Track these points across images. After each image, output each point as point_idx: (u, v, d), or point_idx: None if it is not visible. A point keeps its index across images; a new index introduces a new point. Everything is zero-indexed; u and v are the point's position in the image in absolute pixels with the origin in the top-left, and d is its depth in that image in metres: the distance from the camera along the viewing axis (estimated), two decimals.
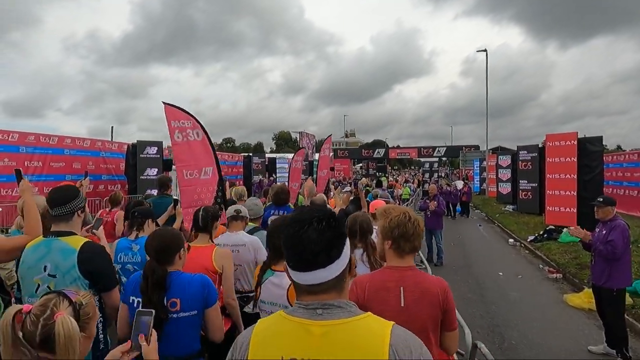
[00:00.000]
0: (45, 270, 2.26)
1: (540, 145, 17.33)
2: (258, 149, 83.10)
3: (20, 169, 2.90)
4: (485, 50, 26.75)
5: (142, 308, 1.99)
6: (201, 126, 4.40)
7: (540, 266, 8.92)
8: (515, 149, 25.01)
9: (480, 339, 3.19)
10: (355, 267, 1.28)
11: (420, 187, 29.32)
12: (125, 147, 17.16)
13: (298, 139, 43.10)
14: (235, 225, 3.46)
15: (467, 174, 44.69)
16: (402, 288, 1.91)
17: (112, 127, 35.34)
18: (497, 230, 14.97)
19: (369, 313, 1.15)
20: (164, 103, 4.43)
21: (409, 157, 50.24)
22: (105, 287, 2.31)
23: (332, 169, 38.63)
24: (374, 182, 14.46)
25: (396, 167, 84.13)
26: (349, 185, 16.91)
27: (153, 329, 1.64)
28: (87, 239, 2.39)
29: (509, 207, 19.37)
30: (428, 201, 9.27)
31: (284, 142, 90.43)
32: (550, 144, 13.16)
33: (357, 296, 1.94)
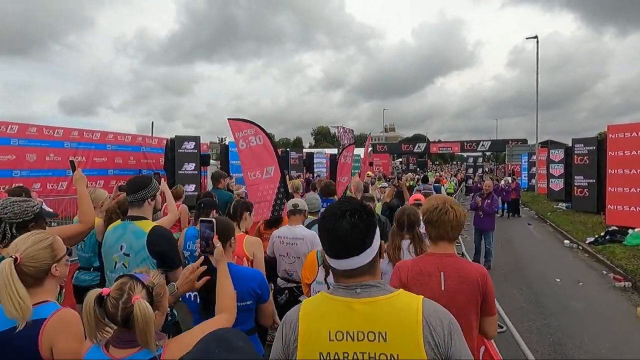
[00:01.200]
0: (121, 250, 2.58)
1: (598, 138, 15.96)
2: (297, 144, 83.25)
3: (74, 159, 3.03)
4: (535, 37, 24.98)
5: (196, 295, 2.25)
6: (263, 131, 4.92)
7: (604, 272, 7.96)
8: (567, 142, 23.10)
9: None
10: (382, 256, 1.42)
11: (464, 183, 28.03)
12: (165, 142, 17.31)
13: (337, 134, 42.56)
14: (294, 219, 3.63)
15: (514, 169, 42.55)
16: (442, 273, 1.99)
17: (152, 122, 36.30)
18: (550, 230, 13.84)
19: (401, 290, 1.28)
20: (228, 119, 5.05)
21: (451, 151, 48.44)
22: (171, 266, 2.56)
23: (370, 164, 37.71)
24: (417, 177, 13.86)
25: (437, 162, 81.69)
26: (384, 181, 16.24)
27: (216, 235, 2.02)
28: (156, 224, 2.67)
29: (562, 205, 18.01)
30: (480, 198, 8.47)
31: (323, 137, 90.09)
32: (613, 136, 11.92)
33: (400, 279, 2.06)
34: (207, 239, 2.03)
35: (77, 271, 3.81)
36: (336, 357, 1.20)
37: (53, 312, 1.59)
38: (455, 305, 1.55)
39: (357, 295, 1.24)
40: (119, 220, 2.74)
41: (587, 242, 10.58)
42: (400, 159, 49.34)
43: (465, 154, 45.10)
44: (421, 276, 2.02)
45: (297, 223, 3.59)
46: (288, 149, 26.89)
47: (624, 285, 7.01)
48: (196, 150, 16.57)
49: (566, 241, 11.32)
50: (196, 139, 16.70)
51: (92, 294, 1.44)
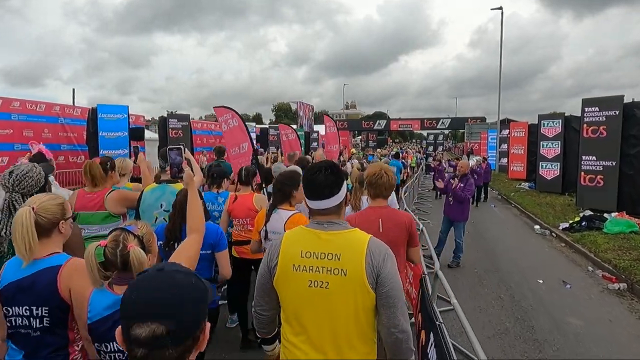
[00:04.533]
0: (161, 207, 3.27)
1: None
2: (257, 120, 79.99)
3: (138, 146, 5.06)
4: (500, 8, 23.85)
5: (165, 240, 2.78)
6: (237, 114, 5.96)
7: (590, 269, 6.76)
8: (522, 122, 21.64)
9: None
10: (347, 204, 2.09)
11: (424, 161, 27.01)
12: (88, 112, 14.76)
13: (297, 109, 40.57)
14: None
15: (472, 147, 42.34)
16: (380, 219, 2.78)
17: (73, 89, 31.88)
18: (516, 214, 12.82)
19: (357, 228, 1.71)
20: (214, 107, 6.28)
21: (411, 129, 47.65)
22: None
23: None
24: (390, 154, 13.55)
25: (397, 140, 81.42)
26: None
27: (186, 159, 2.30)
28: None
29: (525, 185, 17.20)
30: (452, 181, 6.97)
31: (284, 113, 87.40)
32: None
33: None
34: (177, 165, 2.26)
35: None
36: (304, 268, 1.62)
37: (67, 260, 1.85)
38: (390, 240, 2.04)
39: (325, 229, 1.67)
40: (154, 183, 3.45)
41: (560, 228, 9.50)
42: (361, 137, 48.21)
43: (425, 132, 44.43)
44: (365, 223, 2.61)
45: None
46: (266, 126, 25.59)
47: (619, 288, 5.79)
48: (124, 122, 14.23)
49: (536, 227, 10.22)
50: (123, 109, 14.34)
51: (92, 246, 1.66)
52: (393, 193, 3.50)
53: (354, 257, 1.56)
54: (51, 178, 3.40)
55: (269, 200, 3.75)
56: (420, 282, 3.51)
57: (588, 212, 9.73)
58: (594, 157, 10.62)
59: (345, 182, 1.76)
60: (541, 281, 6.07)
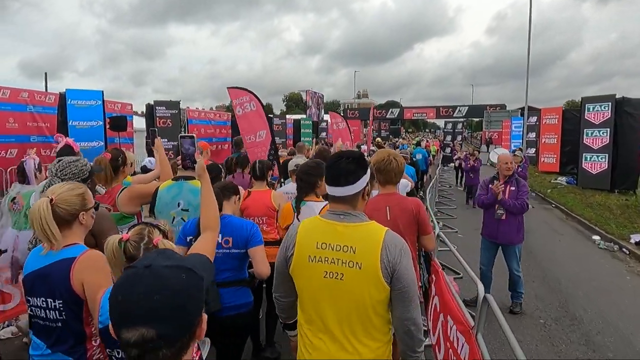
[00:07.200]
0: (179, 206, 2.92)
1: None
2: (267, 110, 77.79)
3: (156, 129, 3.67)
4: None
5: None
6: (256, 97, 5.49)
7: None
8: (556, 107, 19.02)
9: None
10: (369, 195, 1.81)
11: (442, 152, 24.61)
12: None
13: (306, 98, 38.49)
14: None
15: (491, 137, 39.64)
16: (388, 207, 2.73)
17: (45, 73, 29.60)
18: (561, 217, 10.53)
19: (373, 221, 1.70)
20: (228, 88, 5.66)
21: (425, 117, 45.09)
22: None
23: None
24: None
25: (410, 130, 78.64)
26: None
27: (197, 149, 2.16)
28: None
29: (562, 180, 14.87)
30: (492, 185, 4.73)
31: (295, 103, 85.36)
32: None
33: None
34: (190, 155, 2.19)
35: None
36: (319, 260, 1.62)
37: (82, 252, 1.77)
38: (397, 228, 2.15)
39: (341, 220, 1.65)
40: (170, 180, 3.06)
41: (632, 240, 7.31)
42: (372, 126, 45.99)
43: (439, 121, 41.95)
44: (373, 211, 2.50)
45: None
46: (271, 115, 24.59)
47: None
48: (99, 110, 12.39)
49: (596, 237, 8.03)
50: (97, 95, 12.45)
51: (112, 239, 1.60)
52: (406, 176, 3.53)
53: (369, 251, 1.58)
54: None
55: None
56: None
57: None
58: None
59: (366, 174, 1.71)
60: None
